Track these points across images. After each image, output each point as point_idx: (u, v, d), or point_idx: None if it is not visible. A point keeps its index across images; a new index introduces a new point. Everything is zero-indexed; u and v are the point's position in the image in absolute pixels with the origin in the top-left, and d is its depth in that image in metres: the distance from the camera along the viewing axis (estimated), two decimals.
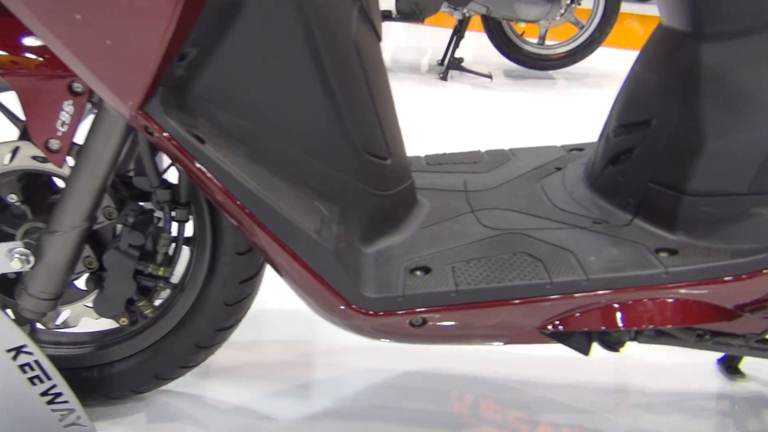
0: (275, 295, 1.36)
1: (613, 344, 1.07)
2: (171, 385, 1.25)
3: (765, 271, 0.96)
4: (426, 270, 1.04)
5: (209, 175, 0.91)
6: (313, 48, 0.97)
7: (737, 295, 0.98)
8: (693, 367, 1.41)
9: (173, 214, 1.08)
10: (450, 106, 3.32)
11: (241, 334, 1.23)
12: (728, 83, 1.03)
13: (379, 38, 1.10)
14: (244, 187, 0.93)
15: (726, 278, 0.96)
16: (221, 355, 1.26)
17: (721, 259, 0.97)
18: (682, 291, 0.96)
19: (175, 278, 1.15)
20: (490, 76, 3.75)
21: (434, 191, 1.31)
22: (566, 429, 1.26)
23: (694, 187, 1.04)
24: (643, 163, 1.13)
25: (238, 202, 0.93)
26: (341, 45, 0.99)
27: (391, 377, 1.37)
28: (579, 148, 1.47)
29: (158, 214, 1.10)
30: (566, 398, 1.32)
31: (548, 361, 1.41)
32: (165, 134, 0.90)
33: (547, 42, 3.93)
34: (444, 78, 3.68)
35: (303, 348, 1.45)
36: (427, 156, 1.52)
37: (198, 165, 0.91)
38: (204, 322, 1.15)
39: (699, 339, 1.07)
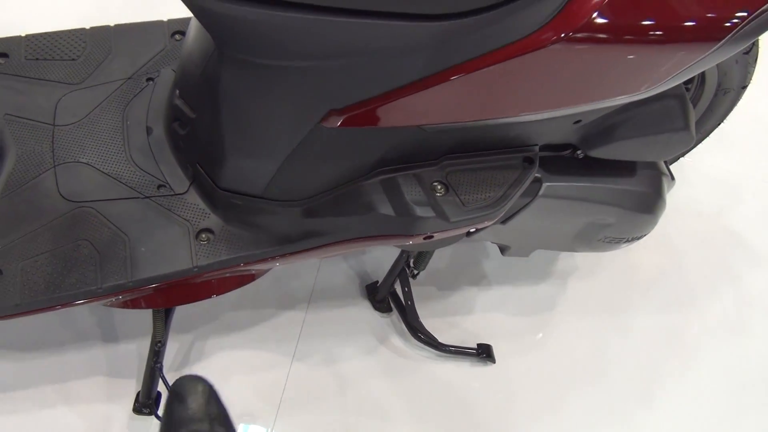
0: None
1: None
2: None
3: (276, 257, 1.23)
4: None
5: None
6: None
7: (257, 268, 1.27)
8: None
9: None
10: None
11: None
12: (241, 106, 1.10)
13: None
14: None
15: (240, 264, 1.22)
16: None
17: (240, 251, 1.21)
18: (209, 276, 1.23)
19: None
20: None
21: (21, 122, 1.31)
22: None
23: (223, 184, 1.20)
24: (192, 144, 1.23)
25: None
26: None
27: None
28: (182, 32, 1.44)
29: None
30: None
31: None
32: None
33: None
34: None
35: None
36: (28, 37, 1.42)
37: None
38: None
39: None
